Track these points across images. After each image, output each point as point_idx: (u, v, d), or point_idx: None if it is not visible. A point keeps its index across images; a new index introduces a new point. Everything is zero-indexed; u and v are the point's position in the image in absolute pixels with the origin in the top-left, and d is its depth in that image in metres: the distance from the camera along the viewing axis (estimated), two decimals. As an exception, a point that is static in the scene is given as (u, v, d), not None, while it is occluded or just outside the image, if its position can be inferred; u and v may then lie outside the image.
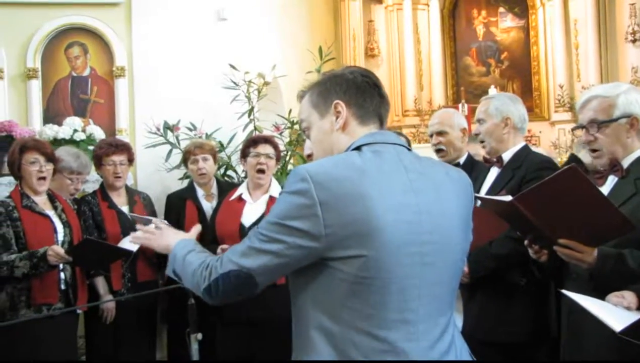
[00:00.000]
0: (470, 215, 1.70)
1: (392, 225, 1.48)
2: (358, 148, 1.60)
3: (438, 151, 3.65)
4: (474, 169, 3.38)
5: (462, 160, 3.58)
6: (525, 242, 2.31)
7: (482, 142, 3.07)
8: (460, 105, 9.02)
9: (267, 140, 3.94)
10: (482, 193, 2.99)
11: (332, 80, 1.69)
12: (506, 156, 2.99)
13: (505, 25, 10.33)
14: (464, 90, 10.00)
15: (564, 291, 1.95)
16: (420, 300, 1.53)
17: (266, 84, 5.59)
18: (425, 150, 5.68)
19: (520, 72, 10.23)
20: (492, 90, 9.21)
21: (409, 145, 4.69)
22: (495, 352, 2.80)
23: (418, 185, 1.56)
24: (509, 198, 2.11)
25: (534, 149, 4.51)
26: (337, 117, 1.66)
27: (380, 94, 1.69)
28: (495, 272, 2.82)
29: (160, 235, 1.92)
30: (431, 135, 3.69)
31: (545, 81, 9.99)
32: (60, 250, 3.20)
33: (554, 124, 9.68)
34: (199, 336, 2.20)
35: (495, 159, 3.03)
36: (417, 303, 1.53)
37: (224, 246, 3.77)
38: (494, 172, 3.05)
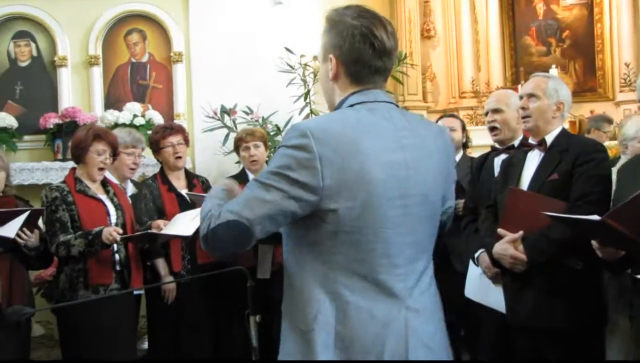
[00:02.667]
0: (449, 171, 1.82)
1: (383, 180, 1.61)
2: (352, 105, 1.68)
3: (492, 129, 3.54)
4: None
5: (516, 142, 3.47)
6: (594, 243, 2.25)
7: (525, 117, 2.97)
8: (519, 87, 8.78)
9: None
10: (526, 178, 2.90)
11: (334, 30, 1.71)
12: (548, 139, 2.90)
13: (567, 3, 9.95)
14: (523, 70, 9.71)
15: None
16: (404, 246, 1.67)
17: (321, 67, 5.57)
18: (481, 132, 5.57)
19: (582, 51, 9.86)
20: (553, 71, 8.93)
21: (464, 128, 4.60)
22: (556, 339, 2.74)
23: (407, 142, 1.68)
24: (596, 217, 2.05)
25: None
26: (330, 68, 1.73)
27: (373, 45, 1.67)
28: (554, 258, 2.74)
29: None
30: (486, 113, 3.61)
31: (610, 60, 9.59)
32: (115, 232, 3.25)
33: (618, 105, 9.32)
34: (258, 318, 2.22)
35: (536, 142, 2.94)
36: (401, 249, 1.67)
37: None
38: (535, 156, 2.94)
